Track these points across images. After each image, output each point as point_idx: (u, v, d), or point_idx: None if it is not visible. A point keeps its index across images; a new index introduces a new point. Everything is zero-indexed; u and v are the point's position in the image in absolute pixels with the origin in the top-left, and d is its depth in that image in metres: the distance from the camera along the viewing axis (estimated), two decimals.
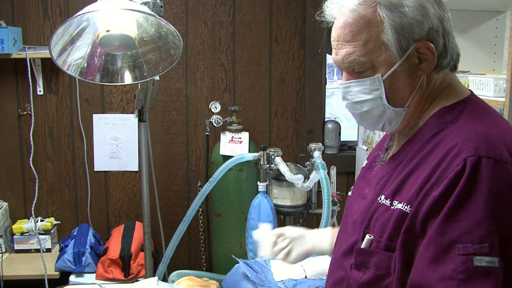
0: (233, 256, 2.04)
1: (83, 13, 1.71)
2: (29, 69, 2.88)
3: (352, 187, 1.31)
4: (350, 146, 3.38)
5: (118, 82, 1.99)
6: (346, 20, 1.05)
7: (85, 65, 1.92)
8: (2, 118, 3.09)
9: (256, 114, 3.22)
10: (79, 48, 1.89)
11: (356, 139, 3.16)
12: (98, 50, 1.92)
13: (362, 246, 1.06)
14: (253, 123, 3.22)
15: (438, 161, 0.97)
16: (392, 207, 1.02)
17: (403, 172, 1.04)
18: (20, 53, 2.89)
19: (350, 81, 1.09)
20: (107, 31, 1.80)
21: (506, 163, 0.92)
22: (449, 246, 0.89)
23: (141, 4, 1.85)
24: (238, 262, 2.01)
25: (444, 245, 0.90)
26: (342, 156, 3.25)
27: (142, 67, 2.00)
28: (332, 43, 1.10)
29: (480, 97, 1.93)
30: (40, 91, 3.07)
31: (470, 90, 1.14)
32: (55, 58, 1.81)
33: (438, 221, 0.92)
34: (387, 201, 1.04)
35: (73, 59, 1.89)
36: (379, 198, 1.07)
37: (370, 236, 1.05)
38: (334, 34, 1.09)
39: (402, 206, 1.00)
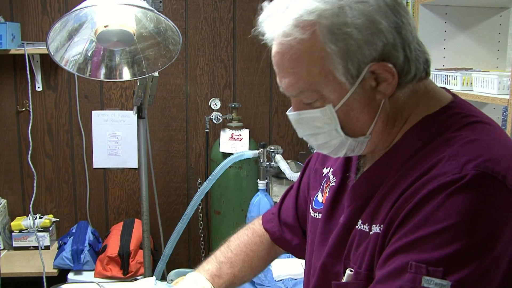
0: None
1: (80, 8, 1.68)
2: (27, 65, 2.85)
3: (311, 205, 1.14)
4: None
5: (116, 78, 1.96)
6: (281, 47, 0.88)
7: (83, 61, 1.89)
8: (1, 115, 3.07)
9: (257, 111, 3.20)
10: (77, 44, 1.87)
11: None
12: (97, 46, 1.89)
13: (344, 280, 0.94)
14: (254, 120, 3.20)
15: (418, 175, 0.84)
16: (370, 232, 0.90)
17: (381, 192, 0.91)
18: (18, 49, 2.86)
19: (298, 112, 0.93)
20: (105, 26, 1.77)
21: (501, 181, 0.79)
22: (404, 263, 0.79)
23: None
24: None
25: (399, 261, 0.80)
26: None
27: (141, 63, 1.97)
28: (274, 68, 0.94)
29: (484, 95, 1.91)
30: (38, 87, 3.05)
31: (451, 93, 0.97)
32: (52, 53, 1.78)
33: (400, 234, 0.82)
34: (365, 226, 0.92)
35: (71, 55, 1.87)
36: (357, 225, 0.94)
37: (351, 270, 0.93)
38: (273, 59, 0.92)
39: (377, 228, 0.88)
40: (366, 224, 0.91)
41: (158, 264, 2.22)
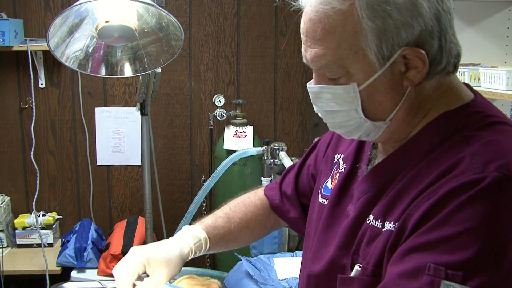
0: (235, 253, 1.99)
1: (81, 3, 1.66)
2: (30, 61, 2.84)
3: (320, 190, 1.10)
4: None
5: (117, 75, 1.94)
6: (316, 13, 0.84)
7: (84, 57, 1.86)
8: (4, 112, 3.05)
9: (261, 107, 3.17)
10: (78, 40, 1.84)
11: None
12: (98, 42, 1.87)
13: (352, 275, 0.90)
14: (258, 116, 3.17)
15: (438, 174, 0.80)
16: (383, 229, 0.86)
17: (396, 187, 0.87)
18: (21, 45, 2.84)
19: (320, 85, 0.89)
20: (106, 22, 1.75)
21: None
22: (422, 263, 0.75)
23: None
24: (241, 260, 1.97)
25: (417, 261, 0.76)
26: None
27: (142, 59, 1.94)
28: (301, 36, 0.89)
29: (492, 91, 1.88)
30: (41, 84, 3.03)
31: (473, 91, 0.94)
32: (52, 49, 1.76)
33: (419, 232, 0.78)
34: (377, 222, 0.87)
35: (72, 51, 1.84)
36: (367, 220, 0.89)
37: (359, 266, 0.89)
38: (302, 26, 0.88)
39: (391, 226, 0.84)
40: (379, 221, 0.87)
41: None
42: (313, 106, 0.94)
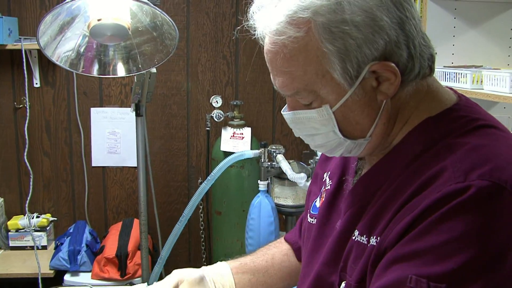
0: (229, 258, 1.94)
1: (70, 0, 1.61)
2: (24, 60, 2.79)
3: (308, 210, 1.08)
4: None
5: (110, 75, 1.88)
6: (273, 45, 0.81)
7: (76, 56, 1.81)
8: None
9: (260, 108, 3.12)
10: (70, 38, 1.79)
11: None
12: (90, 40, 1.82)
13: None
14: (256, 118, 3.12)
15: (419, 184, 0.77)
16: (368, 245, 0.83)
17: (379, 200, 0.84)
18: (15, 44, 2.80)
19: (294, 111, 0.87)
20: (99, 20, 1.70)
21: (509, 191, 0.72)
22: (403, 275, 0.72)
23: None
24: None
25: (398, 273, 0.73)
26: None
27: (136, 58, 1.89)
28: (267, 65, 0.86)
29: (495, 93, 1.82)
30: (36, 83, 2.98)
31: (456, 92, 0.91)
32: (43, 47, 1.71)
33: (401, 244, 0.75)
34: (363, 237, 0.84)
35: (64, 50, 1.79)
36: (353, 235, 0.86)
37: (345, 283, 0.87)
38: (266, 56, 0.85)
39: (374, 241, 0.81)
40: (364, 236, 0.84)
41: (154, 268, 2.14)
42: (293, 130, 0.92)
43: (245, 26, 0.89)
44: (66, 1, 1.62)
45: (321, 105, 0.83)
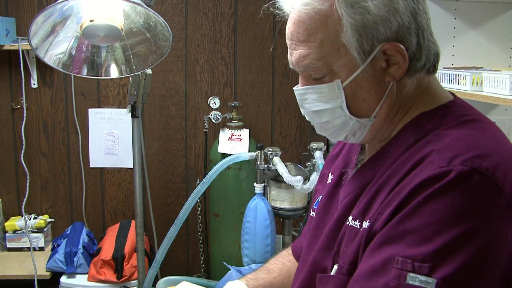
0: (224, 263, 1.92)
1: (63, 1, 1.58)
2: (21, 61, 2.77)
3: (314, 206, 1.13)
4: None
5: (103, 76, 1.86)
6: (299, 16, 0.88)
7: (69, 57, 1.79)
8: None
9: (258, 110, 3.09)
10: (63, 39, 1.77)
11: None
12: (84, 41, 1.79)
13: (331, 274, 0.93)
14: (255, 119, 3.09)
15: (407, 170, 0.82)
16: (361, 229, 0.88)
17: (373, 187, 0.89)
18: (12, 44, 2.78)
19: (306, 87, 0.94)
20: (91, 21, 1.67)
21: (489, 178, 0.77)
22: (390, 257, 0.77)
23: None
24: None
25: (385, 255, 0.78)
26: None
27: (130, 60, 1.87)
28: (287, 41, 0.94)
29: (494, 95, 1.79)
30: (34, 84, 2.97)
31: (453, 94, 0.97)
32: (35, 48, 1.69)
33: (388, 227, 0.80)
34: (356, 222, 0.89)
35: (56, 51, 1.77)
36: (347, 221, 0.91)
37: (338, 266, 0.92)
38: (287, 31, 0.92)
39: (366, 225, 0.86)
40: (357, 221, 0.89)
41: (149, 270, 2.12)
42: (300, 109, 0.98)
43: (272, 5, 0.96)
44: (58, 1, 1.60)
45: (333, 80, 0.89)
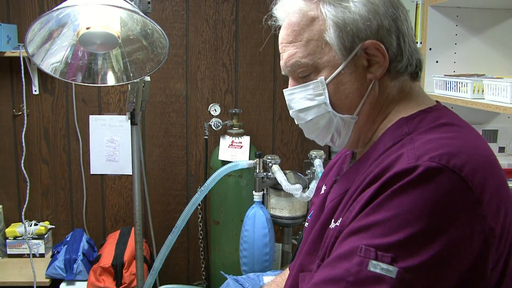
0: (221, 272, 1.90)
1: (59, 8, 1.58)
2: (22, 67, 2.77)
3: (308, 217, 1.17)
4: None
5: (99, 83, 1.85)
6: (290, 20, 0.97)
7: (66, 64, 1.78)
8: None
9: (259, 117, 3.07)
10: (60, 46, 1.76)
11: None
12: (81, 49, 1.79)
13: None
14: (256, 126, 3.07)
15: (379, 170, 0.84)
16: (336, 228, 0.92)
17: (351, 191, 0.92)
18: (14, 51, 2.78)
19: (293, 87, 1.01)
20: (88, 28, 1.67)
21: (456, 174, 0.77)
22: (355, 246, 0.79)
23: None
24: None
25: (351, 245, 0.80)
26: None
27: (127, 67, 1.86)
28: (279, 47, 1.01)
29: (495, 104, 1.76)
30: (35, 90, 2.97)
31: (437, 101, 1.00)
32: (31, 54, 1.68)
33: (357, 219, 0.83)
34: (336, 224, 0.92)
35: (53, 58, 1.77)
36: (330, 224, 0.94)
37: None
38: (279, 37, 1.01)
39: (339, 222, 0.90)
40: (338, 222, 0.92)
41: (147, 279, 2.10)
42: (289, 110, 1.04)
43: (269, 15, 1.04)
44: (54, 9, 1.59)
45: (317, 77, 0.95)
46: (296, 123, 1.05)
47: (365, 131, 0.99)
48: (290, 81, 1.02)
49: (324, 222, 0.98)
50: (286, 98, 1.03)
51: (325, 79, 0.94)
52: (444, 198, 0.76)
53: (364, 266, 0.76)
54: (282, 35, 0.99)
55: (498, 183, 0.82)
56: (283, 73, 1.03)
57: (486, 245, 0.78)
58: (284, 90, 1.04)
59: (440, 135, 0.86)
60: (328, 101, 0.96)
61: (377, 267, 0.75)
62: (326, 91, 0.95)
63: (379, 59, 0.93)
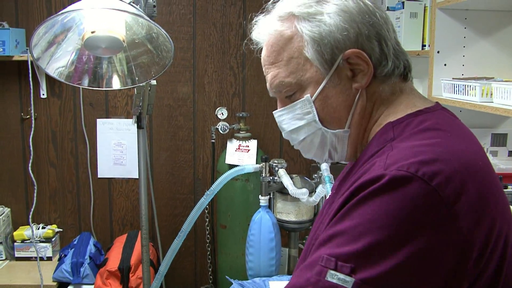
0: (226, 277, 1.88)
1: (64, 12, 1.58)
2: (30, 71, 2.79)
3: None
4: None
5: (104, 87, 1.85)
6: (268, 41, 0.96)
7: (71, 68, 1.79)
8: (5, 122, 3.00)
9: (267, 120, 3.06)
10: (65, 50, 1.77)
11: None
12: (86, 52, 1.79)
13: None
14: (263, 130, 3.06)
15: (355, 179, 0.83)
16: None
17: (336, 199, 0.90)
18: (22, 55, 2.80)
19: (281, 109, 0.99)
20: (93, 32, 1.67)
21: (425, 183, 0.74)
22: (319, 255, 0.78)
23: (129, 3, 1.71)
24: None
25: (317, 254, 0.79)
26: None
27: (133, 71, 1.86)
28: (263, 70, 1.00)
29: (504, 107, 1.74)
30: (43, 94, 2.98)
31: (437, 103, 0.95)
32: (36, 58, 1.68)
33: (325, 230, 0.82)
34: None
35: (59, 63, 1.77)
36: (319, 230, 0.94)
37: None
38: (262, 60, 1.00)
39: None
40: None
41: (153, 283, 2.09)
42: (282, 133, 1.03)
43: (249, 39, 1.04)
44: (58, 13, 1.60)
45: (303, 95, 0.94)
46: (291, 144, 1.03)
47: (360, 140, 0.97)
48: (278, 103, 1.01)
49: (316, 231, 0.97)
50: (276, 120, 1.01)
51: (311, 96, 0.93)
52: (410, 208, 0.73)
53: (323, 276, 0.75)
54: (264, 57, 0.98)
55: (481, 190, 0.77)
56: (270, 95, 1.01)
57: (462, 258, 0.74)
58: (273, 112, 1.02)
59: (420, 142, 0.82)
60: (317, 119, 0.94)
61: (334, 277, 0.74)
62: (313, 108, 0.94)
63: (363, 67, 0.90)
